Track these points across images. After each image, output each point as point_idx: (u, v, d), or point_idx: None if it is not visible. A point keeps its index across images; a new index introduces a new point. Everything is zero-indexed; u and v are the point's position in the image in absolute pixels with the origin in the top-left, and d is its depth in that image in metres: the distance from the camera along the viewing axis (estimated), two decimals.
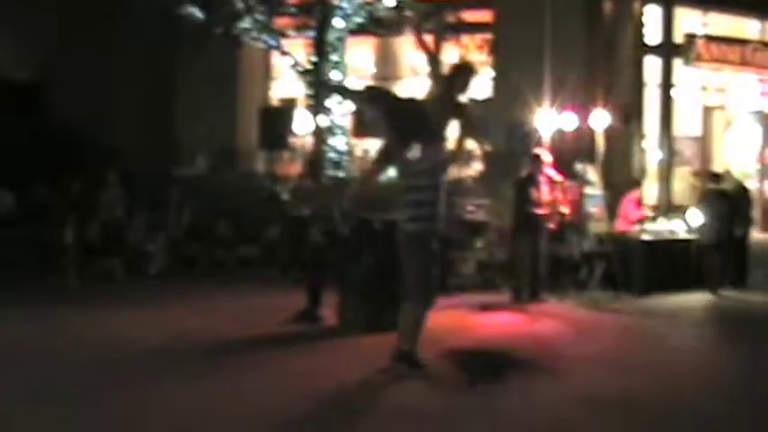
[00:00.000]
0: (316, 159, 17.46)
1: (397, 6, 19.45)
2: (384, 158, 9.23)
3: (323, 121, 18.68)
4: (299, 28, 19.75)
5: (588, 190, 14.64)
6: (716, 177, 16.19)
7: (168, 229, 16.68)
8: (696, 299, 14.33)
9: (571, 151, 15.24)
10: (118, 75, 22.59)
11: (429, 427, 7.59)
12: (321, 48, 19.07)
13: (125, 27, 22.57)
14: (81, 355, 9.90)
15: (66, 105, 21.40)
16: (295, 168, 21.04)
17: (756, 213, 23.19)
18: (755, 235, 21.55)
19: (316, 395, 8.33)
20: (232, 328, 11.29)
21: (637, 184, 16.36)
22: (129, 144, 20.91)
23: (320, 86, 17.76)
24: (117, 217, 16.27)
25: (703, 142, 23.02)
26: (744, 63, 22.75)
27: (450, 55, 18.68)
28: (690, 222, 15.32)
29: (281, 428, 7.41)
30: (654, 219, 16.11)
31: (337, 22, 19.08)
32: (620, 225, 14.90)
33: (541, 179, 13.64)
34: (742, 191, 16.37)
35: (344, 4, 19.36)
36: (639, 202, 15.87)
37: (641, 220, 15.18)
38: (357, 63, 22.89)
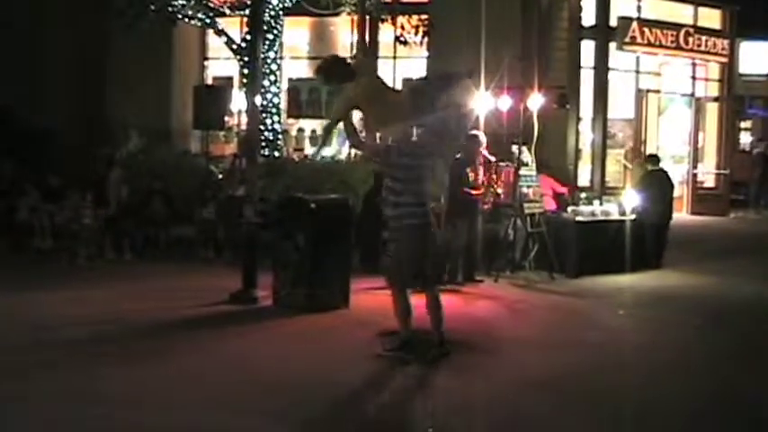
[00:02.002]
0: (250, 139, 17.32)
1: None
2: None
3: (258, 100, 18.49)
4: (235, 6, 19.53)
5: (523, 171, 14.69)
6: (656, 159, 16.48)
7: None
8: (630, 280, 14.45)
9: (507, 133, 15.28)
10: (50, 51, 22.20)
11: (363, 406, 7.60)
12: (256, 26, 18.85)
13: (57, 1, 22.21)
14: (10, 335, 9.75)
15: None
16: (230, 148, 20.92)
17: (687, 196, 23.63)
18: (685, 217, 21.95)
19: (253, 376, 8.32)
20: (168, 309, 11.17)
21: (548, 167, 16.50)
22: (61, 122, 20.59)
23: None
24: (123, 196, 16.34)
25: (637, 125, 23.26)
26: (677, 47, 23.04)
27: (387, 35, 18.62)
28: (626, 204, 15.46)
29: (219, 408, 7.37)
30: (588, 200, 16.26)
31: (273, 1, 18.89)
32: (547, 204, 15.08)
33: (477, 160, 13.66)
34: None
35: None
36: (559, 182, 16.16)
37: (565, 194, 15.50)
38: (292, 42, 22.80)
